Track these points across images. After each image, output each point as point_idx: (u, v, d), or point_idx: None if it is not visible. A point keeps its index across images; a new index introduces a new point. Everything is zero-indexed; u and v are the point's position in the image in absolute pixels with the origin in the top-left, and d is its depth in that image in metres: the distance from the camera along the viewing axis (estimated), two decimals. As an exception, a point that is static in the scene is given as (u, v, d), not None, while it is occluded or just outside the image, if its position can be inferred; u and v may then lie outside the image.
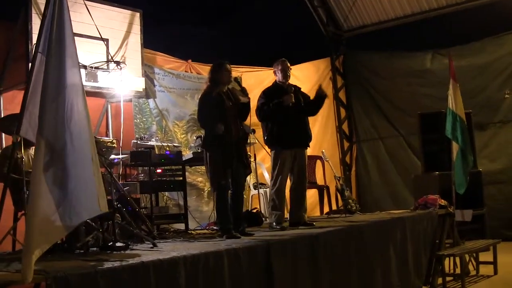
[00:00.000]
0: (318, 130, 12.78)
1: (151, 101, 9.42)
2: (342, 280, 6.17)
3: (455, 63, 9.01)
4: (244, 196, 9.91)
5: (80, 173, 4.03)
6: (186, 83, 10.02)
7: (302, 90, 7.40)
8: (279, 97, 6.93)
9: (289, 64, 7.22)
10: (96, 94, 8.42)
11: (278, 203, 6.94)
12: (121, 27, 8.63)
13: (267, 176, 9.53)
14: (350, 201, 8.60)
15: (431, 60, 12.16)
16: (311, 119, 12.42)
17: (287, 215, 7.32)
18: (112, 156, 6.61)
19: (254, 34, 11.64)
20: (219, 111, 6.21)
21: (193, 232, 7.20)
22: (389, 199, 12.55)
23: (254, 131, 7.50)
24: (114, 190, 6.11)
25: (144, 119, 9.28)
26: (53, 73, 3.98)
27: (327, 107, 13.13)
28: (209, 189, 9.44)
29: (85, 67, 7.91)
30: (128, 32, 8.66)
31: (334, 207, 9.58)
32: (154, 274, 4.38)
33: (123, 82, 8.35)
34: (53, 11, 4.13)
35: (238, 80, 6.56)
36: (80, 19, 8.06)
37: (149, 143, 7.65)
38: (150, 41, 9.31)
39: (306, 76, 12.66)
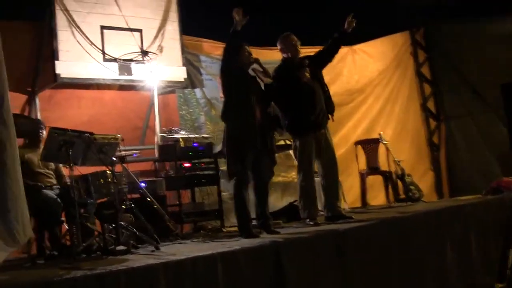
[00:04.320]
0: (399, 110, 11.89)
1: (197, 91, 8.93)
2: (379, 285, 5.38)
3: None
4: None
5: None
6: (238, 69, 9.44)
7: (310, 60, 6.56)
8: (291, 74, 6.24)
9: (295, 38, 6.47)
10: (132, 87, 8.09)
11: (308, 197, 6.25)
12: (156, 15, 8.20)
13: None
14: (412, 187, 7.74)
15: (523, 23, 10.85)
16: (391, 99, 11.78)
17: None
18: (128, 152, 6.21)
19: (318, 10, 10.82)
20: (244, 84, 5.75)
21: (224, 230, 6.67)
22: (481, 179, 11.30)
23: None
24: (125, 188, 5.75)
25: (191, 110, 8.80)
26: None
27: (409, 83, 12.19)
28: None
29: (115, 60, 7.59)
30: (164, 20, 8.22)
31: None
32: (127, 284, 3.92)
33: (162, 72, 7.98)
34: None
35: (259, 62, 5.96)
36: (110, 11, 7.79)
37: (175, 135, 7.16)
38: (195, 27, 8.86)
39: (381, 53, 11.82)
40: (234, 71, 5.78)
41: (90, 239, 5.20)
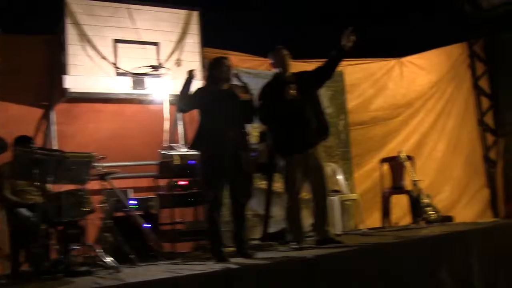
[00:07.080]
0: (454, 124, 11.27)
1: (224, 105, 8.74)
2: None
3: None
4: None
5: None
6: (268, 82, 9.17)
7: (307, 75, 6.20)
8: (278, 91, 5.92)
9: (285, 52, 6.11)
10: (145, 101, 8.02)
11: (292, 220, 5.96)
12: (175, 28, 8.08)
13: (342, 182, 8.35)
14: (428, 209, 7.28)
15: None
16: (444, 113, 11.16)
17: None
18: (112, 170, 6.12)
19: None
20: (213, 107, 5.56)
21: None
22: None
23: None
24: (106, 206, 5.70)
25: (216, 125, 8.61)
26: None
27: (465, 97, 11.53)
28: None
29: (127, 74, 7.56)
30: (183, 33, 8.10)
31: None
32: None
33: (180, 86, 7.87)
34: None
35: (238, 76, 5.75)
36: (125, 24, 7.77)
37: (171, 152, 7.01)
38: (221, 40, 8.70)
39: (434, 65, 11.24)
40: (201, 97, 5.68)
41: (53, 260, 5.17)
